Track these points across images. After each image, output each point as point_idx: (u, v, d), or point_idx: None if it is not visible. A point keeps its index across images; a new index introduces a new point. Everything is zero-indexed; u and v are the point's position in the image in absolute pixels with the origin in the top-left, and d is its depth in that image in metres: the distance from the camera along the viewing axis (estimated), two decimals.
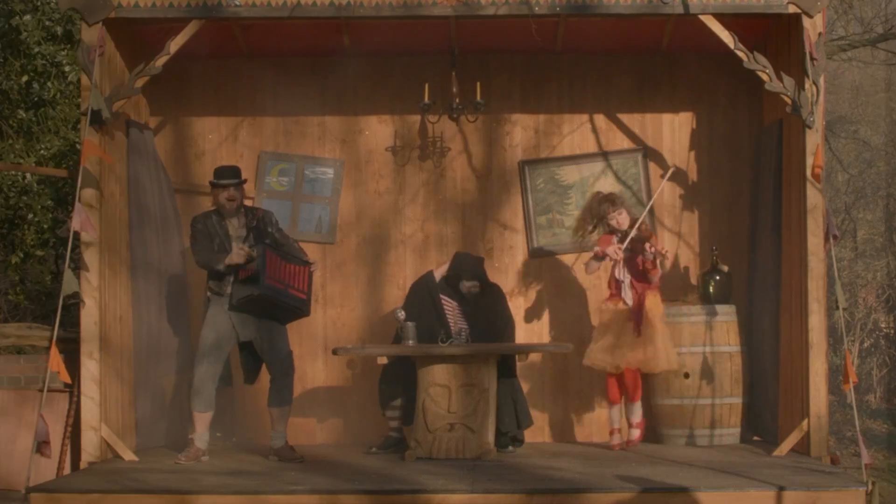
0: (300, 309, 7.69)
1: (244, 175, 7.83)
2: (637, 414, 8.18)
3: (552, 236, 9.06)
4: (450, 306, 8.26)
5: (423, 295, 8.27)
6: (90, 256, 7.55)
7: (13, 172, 10.15)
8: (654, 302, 8.02)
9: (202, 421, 7.59)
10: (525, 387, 8.82)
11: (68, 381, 7.38)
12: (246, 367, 7.84)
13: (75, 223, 7.23)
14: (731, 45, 7.68)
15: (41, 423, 6.94)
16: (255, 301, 7.45)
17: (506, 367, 8.01)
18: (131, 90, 7.72)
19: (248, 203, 8.34)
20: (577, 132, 9.10)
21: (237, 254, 7.49)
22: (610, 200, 8.12)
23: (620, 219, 8.07)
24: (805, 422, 7.50)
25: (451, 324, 8.19)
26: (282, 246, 7.71)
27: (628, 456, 7.79)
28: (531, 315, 9.01)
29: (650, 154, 9.07)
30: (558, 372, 8.96)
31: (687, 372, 8.24)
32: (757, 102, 8.82)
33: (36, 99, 10.43)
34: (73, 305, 7.80)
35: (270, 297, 7.43)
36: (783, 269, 8.06)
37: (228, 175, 7.66)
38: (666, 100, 9.10)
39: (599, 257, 8.09)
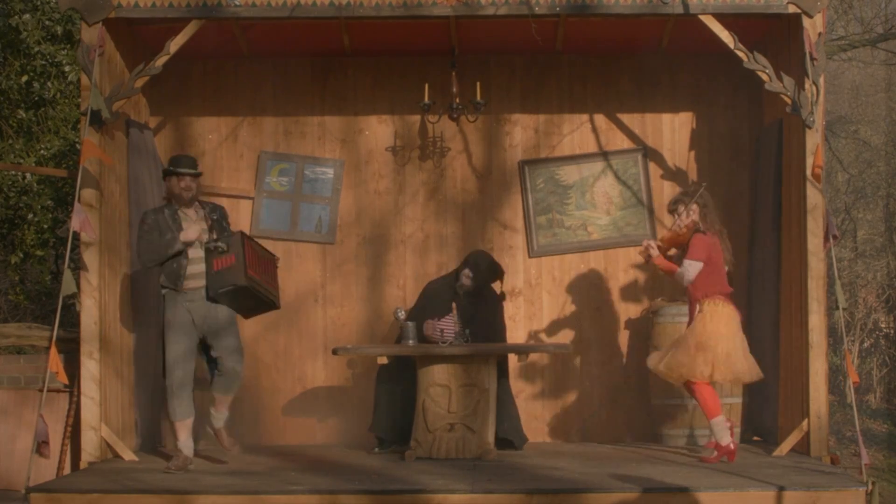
0: (274, 303, 7.41)
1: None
2: (713, 432, 7.47)
3: (552, 236, 9.06)
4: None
5: (436, 294, 8.25)
6: (90, 256, 7.55)
7: (13, 172, 10.16)
8: (708, 309, 7.45)
9: (184, 428, 7.32)
10: (525, 387, 8.84)
11: (66, 381, 7.37)
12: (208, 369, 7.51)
13: (75, 223, 7.23)
14: (731, 45, 7.68)
15: (41, 423, 6.94)
16: (234, 293, 7.14)
17: (500, 373, 8.00)
18: (131, 90, 7.72)
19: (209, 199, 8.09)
20: (577, 132, 9.10)
21: (192, 229, 7.16)
22: (679, 199, 7.60)
23: (680, 216, 7.56)
24: (805, 422, 7.50)
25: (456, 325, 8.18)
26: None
27: (628, 456, 7.78)
28: (531, 315, 9.01)
29: (650, 154, 9.07)
30: (558, 372, 8.96)
31: None
32: (757, 102, 8.82)
33: (36, 99, 10.44)
34: (73, 305, 7.80)
35: (253, 287, 7.13)
36: (783, 269, 8.06)
37: (186, 164, 7.31)
38: (666, 100, 9.10)
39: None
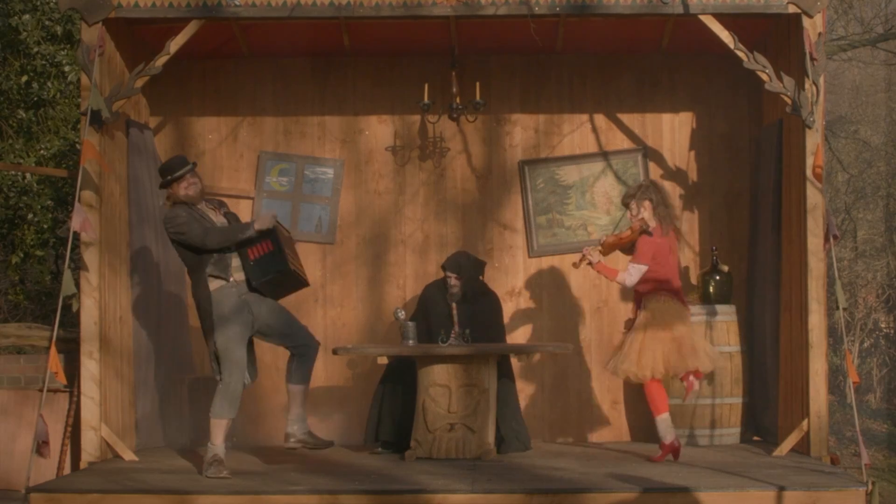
0: (305, 282, 7.23)
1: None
2: (660, 431, 7.51)
3: (552, 236, 9.06)
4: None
5: (434, 297, 8.26)
6: (90, 256, 7.55)
7: (13, 172, 10.16)
8: (653, 305, 7.51)
9: (223, 429, 6.94)
10: (525, 387, 8.83)
11: (65, 382, 7.37)
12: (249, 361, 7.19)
13: (75, 223, 7.22)
14: (731, 45, 7.67)
15: (41, 423, 6.94)
16: (278, 280, 6.96)
17: (503, 375, 7.98)
18: (131, 90, 7.72)
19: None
20: (577, 132, 9.10)
21: (265, 218, 6.83)
22: (631, 194, 7.63)
23: (632, 212, 7.59)
24: (805, 422, 7.50)
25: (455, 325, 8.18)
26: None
27: (628, 456, 7.79)
28: (531, 315, 9.01)
29: (650, 154, 9.07)
30: (558, 372, 8.96)
31: None
32: (757, 102, 8.82)
33: (36, 99, 10.44)
34: (73, 305, 7.79)
35: (295, 272, 6.97)
36: (783, 269, 8.06)
37: (179, 165, 6.99)
38: (666, 100, 9.11)
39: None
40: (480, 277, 8.33)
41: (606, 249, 7.58)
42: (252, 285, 6.94)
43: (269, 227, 6.83)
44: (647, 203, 7.51)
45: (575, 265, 7.65)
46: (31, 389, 8.02)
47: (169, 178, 6.99)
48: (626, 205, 7.63)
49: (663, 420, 7.47)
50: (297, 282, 7.14)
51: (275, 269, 6.88)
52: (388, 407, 8.05)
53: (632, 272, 7.45)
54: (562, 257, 9.04)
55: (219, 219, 7.07)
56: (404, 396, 7.93)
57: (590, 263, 7.52)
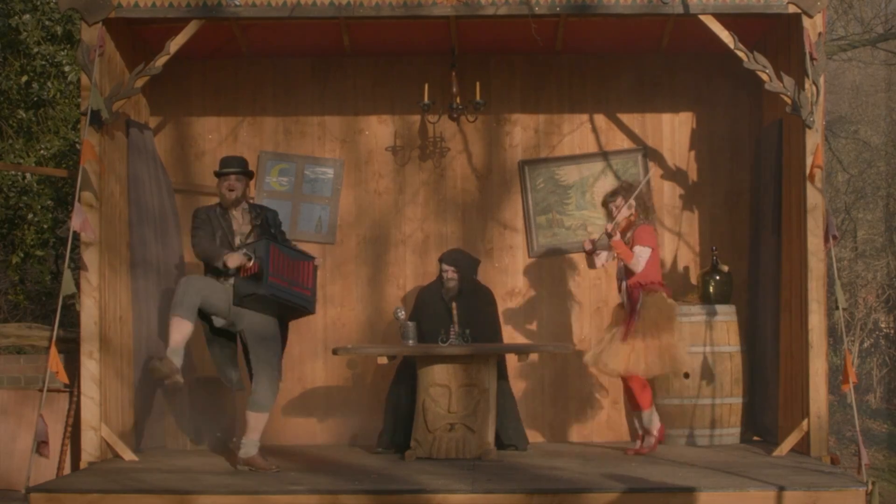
0: (305, 308, 7.42)
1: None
2: (644, 421, 7.82)
3: (552, 236, 9.07)
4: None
5: (434, 298, 8.26)
6: (90, 256, 7.55)
7: (13, 172, 10.16)
8: (651, 301, 7.64)
9: (178, 329, 6.98)
10: (525, 387, 8.83)
11: (66, 381, 7.37)
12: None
13: (75, 223, 7.23)
14: (731, 45, 7.68)
15: (41, 423, 6.94)
16: (259, 299, 7.20)
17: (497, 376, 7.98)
18: (131, 90, 7.72)
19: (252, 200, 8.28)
20: (577, 132, 9.10)
21: (234, 258, 7.15)
22: (614, 192, 7.86)
23: (615, 209, 7.78)
24: (805, 422, 7.50)
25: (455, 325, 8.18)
26: (286, 242, 7.51)
27: (628, 456, 7.78)
28: (531, 315, 9.01)
29: (650, 154, 9.07)
30: (557, 372, 8.96)
31: (687, 372, 8.23)
32: (757, 102, 8.82)
33: (36, 99, 10.44)
34: (73, 305, 7.80)
35: (275, 296, 7.15)
36: (783, 269, 8.06)
37: (231, 165, 7.42)
38: (666, 100, 9.11)
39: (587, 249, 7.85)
40: (474, 276, 8.34)
41: (620, 232, 7.78)
42: (234, 300, 7.24)
43: (235, 265, 7.17)
44: (633, 201, 7.72)
45: (588, 249, 7.81)
46: (31, 389, 8.03)
47: (214, 171, 7.47)
48: (606, 203, 7.82)
49: (653, 412, 7.75)
50: (287, 307, 7.33)
51: (250, 291, 7.16)
52: (405, 413, 8.02)
53: (640, 254, 7.62)
54: (562, 257, 9.04)
55: (242, 227, 7.35)
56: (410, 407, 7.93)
57: (609, 236, 7.64)
